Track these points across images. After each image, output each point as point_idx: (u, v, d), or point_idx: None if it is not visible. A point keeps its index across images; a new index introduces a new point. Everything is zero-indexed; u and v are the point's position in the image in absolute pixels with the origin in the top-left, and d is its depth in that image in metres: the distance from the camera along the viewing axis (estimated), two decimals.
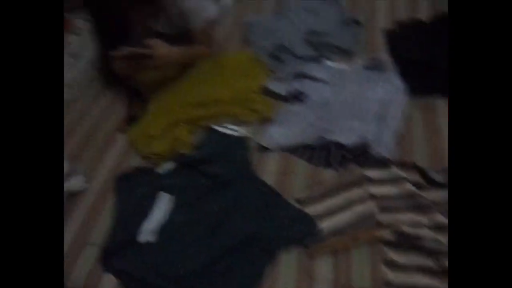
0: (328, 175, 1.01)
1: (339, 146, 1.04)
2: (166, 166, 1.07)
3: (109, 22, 1.13)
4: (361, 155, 1.01)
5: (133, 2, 1.07)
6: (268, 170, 1.04)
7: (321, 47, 1.31)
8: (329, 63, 1.26)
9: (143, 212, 0.97)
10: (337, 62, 1.27)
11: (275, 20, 1.47)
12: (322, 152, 1.04)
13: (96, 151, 1.15)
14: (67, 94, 1.34)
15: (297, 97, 1.18)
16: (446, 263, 0.77)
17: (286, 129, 1.10)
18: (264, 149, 1.08)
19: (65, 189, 1.01)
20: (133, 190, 1.03)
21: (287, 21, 1.44)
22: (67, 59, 1.38)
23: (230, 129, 1.12)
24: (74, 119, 1.26)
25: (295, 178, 1.02)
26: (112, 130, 1.20)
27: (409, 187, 0.91)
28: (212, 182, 1.03)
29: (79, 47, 1.43)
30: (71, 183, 1.03)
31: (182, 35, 1.34)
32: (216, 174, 1.03)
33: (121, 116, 1.24)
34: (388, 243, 0.85)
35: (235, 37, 1.46)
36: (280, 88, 1.20)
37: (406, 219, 0.87)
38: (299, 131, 1.09)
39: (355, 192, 0.94)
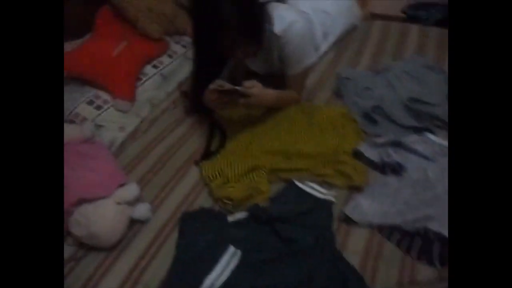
0: (426, 271, 0.84)
1: (441, 238, 0.87)
2: (238, 215, 0.97)
3: (210, 55, 1.10)
4: None
5: (238, 41, 1.03)
6: (352, 248, 0.89)
7: (424, 118, 1.19)
8: (432, 137, 1.13)
9: (206, 263, 0.86)
10: (441, 138, 1.13)
11: (371, 78, 1.38)
12: (421, 243, 0.88)
13: (167, 180, 1.08)
14: (148, 112, 1.32)
15: (393, 169, 1.04)
16: None
17: (378, 204, 0.96)
18: (350, 221, 0.94)
19: (130, 215, 0.94)
20: (198, 234, 0.93)
21: (385, 81, 1.34)
22: (156, 78, 1.38)
23: (314, 189, 1.01)
24: (149, 140, 1.22)
25: (384, 266, 0.86)
26: (186, 161, 1.14)
27: None
28: (285, 246, 0.90)
29: (171, 69, 1.44)
30: (137, 210, 0.96)
31: (275, 77, 1.29)
32: (292, 239, 0.90)
33: (198, 148, 1.18)
34: None
35: (326, 87, 1.39)
36: (374, 154, 1.08)
37: None
38: (394, 210, 0.95)
39: None
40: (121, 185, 0.97)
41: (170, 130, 1.26)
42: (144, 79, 1.35)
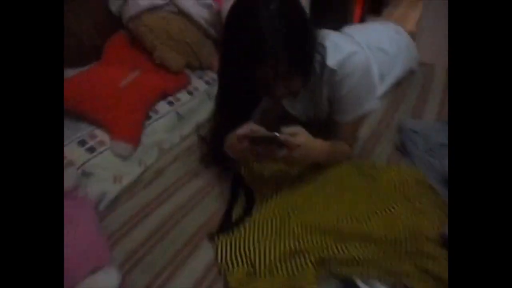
0: None
1: None
2: None
3: (238, 90, 0.83)
4: None
5: (279, 73, 0.75)
6: None
7: None
8: None
9: None
10: None
11: (442, 130, 1.06)
12: None
13: (166, 261, 0.75)
14: (154, 160, 1.04)
15: None
16: None
17: None
18: None
19: None
20: None
21: None
22: (171, 117, 1.12)
23: None
24: (151, 197, 0.92)
25: None
26: (197, 232, 0.82)
27: None
28: None
29: (189, 108, 1.17)
30: None
31: (320, 124, 1.00)
32: None
33: (214, 213, 0.86)
34: None
35: (384, 141, 1.08)
36: None
37: None
38: None
39: None
40: (97, 267, 0.66)
41: (179, 186, 0.95)
42: (154, 117, 1.08)
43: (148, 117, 1.07)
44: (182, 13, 1.21)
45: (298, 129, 0.76)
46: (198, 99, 1.22)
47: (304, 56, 0.79)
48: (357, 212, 0.79)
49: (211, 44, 1.34)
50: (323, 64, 0.85)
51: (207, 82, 1.29)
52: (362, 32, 1.12)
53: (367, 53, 1.05)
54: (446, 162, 0.93)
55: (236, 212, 0.85)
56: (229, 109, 0.88)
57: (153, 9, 1.13)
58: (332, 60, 0.84)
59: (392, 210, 0.79)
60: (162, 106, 1.12)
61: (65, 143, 0.92)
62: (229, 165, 0.95)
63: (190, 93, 1.21)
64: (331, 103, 0.92)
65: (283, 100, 1.01)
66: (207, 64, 1.32)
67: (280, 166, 0.92)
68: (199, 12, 1.26)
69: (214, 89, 1.26)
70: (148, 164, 1.02)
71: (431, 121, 1.13)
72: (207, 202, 0.90)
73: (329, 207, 0.81)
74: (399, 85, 1.33)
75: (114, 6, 1.17)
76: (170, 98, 1.15)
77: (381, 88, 1.23)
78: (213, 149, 0.99)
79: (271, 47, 0.71)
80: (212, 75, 1.33)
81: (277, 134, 0.71)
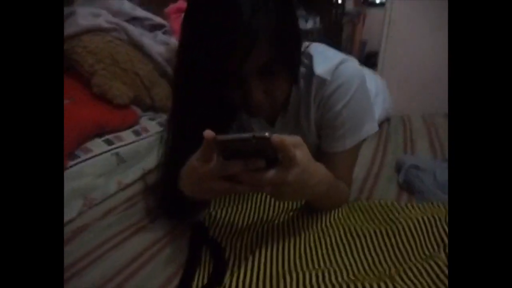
0: None
1: None
2: None
3: (204, 97, 0.59)
4: None
5: (258, 63, 0.54)
6: None
7: None
8: None
9: None
10: None
11: (445, 167, 0.89)
12: None
13: None
14: (76, 214, 0.71)
15: None
16: None
17: None
18: None
19: None
20: None
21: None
22: (106, 159, 0.83)
23: None
24: (70, 262, 0.58)
25: None
26: None
27: None
28: None
29: (133, 150, 0.90)
30: None
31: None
32: None
33: (164, 284, 0.54)
34: None
35: (383, 180, 0.87)
36: None
37: None
38: None
39: None
40: None
41: (112, 247, 0.62)
42: (83, 157, 0.79)
43: (72, 157, 0.77)
44: (133, 43, 1.03)
45: (296, 140, 0.50)
46: (146, 141, 0.96)
47: (291, 47, 0.60)
48: (377, 271, 0.52)
49: (167, 85, 1.15)
50: (310, 73, 0.66)
51: (160, 124, 1.05)
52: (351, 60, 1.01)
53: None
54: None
55: (199, 280, 0.53)
56: (188, 128, 0.62)
57: (96, 31, 0.94)
58: (320, 68, 0.65)
59: (430, 265, 0.53)
60: (96, 144, 0.84)
61: None
62: (187, 214, 0.66)
63: (136, 133, 0.95)
64: (320, 127, 0.71)
65: (259, 130, 0.78)
66: (161, 105, 1.10)
67: (259, 209, 0.65)
68: (154, 47, 1.09)
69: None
70: (66, 219, 0.69)
71: (429, 156, 0.97)
72: (155, 266, 0.58)
73: (337, 263, 0.53)
74: (381, 127, 1.21)
75: None
76: (109, 136, 0.88)
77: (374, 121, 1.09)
78: (166, 193, 0.70)
79: (248, 22, 0.51)
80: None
81: (267, 134, 0.46)
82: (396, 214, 0.66)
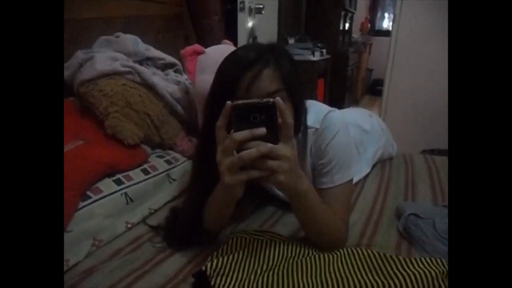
0: None
1: None
2: None
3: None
4: None
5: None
6: None
7: None
8: None
9: None
10: None
11: (445, 215, 0.90)
12: None
13: None
14: (83, 256, 0.74)
15: None
16: None
17: None
18: None
19: None
20: None
21: None
22: (115, 199, 0.86)
23: None
24: None
25: None
26: None
27: None
28: None
29: (142, 190, 0.93)
30: None
31: None
32: None
33: None
34: None
35: (383, 227, 0.89)
36: None
37: None
38: None
39: None
40: None
41: None
42: (93, 197, 0.82)
43: (83, 196, 0.81)
44: (146, 84, 1.09)
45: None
46: (155, 180, 0.99)
47: (297, 87, 0.71)
48: None
49: (176, 122, 1.19)
50: (305, 126, 0.78)
51: (168, 162, 1.09)
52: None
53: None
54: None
55: None
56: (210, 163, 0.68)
57: (111, 75, 1.00)
58: (312, 120, 0.79)
59: None
60: (106, 184, 0.87)
61: None
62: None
63: (145, 171, 0.99)
64: (315, 169, 0.79)
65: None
66: (170, 143, 1.14)
67: (259, 257, 0.67)
68: (165, 86, 1.15)
69: (176, 171, 1.08)
70: (72, 262, 0.71)
71: (430, 204, 0.98)
72: None
73: None
74: (383, 169, 1.23)
75: (67, 71, 1.03)
76: (119, 176, 0.92)
77: (361, 163, 1.13)
78: (187, 221, 0.78)
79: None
80: (175, 156, 1.14)
81: (272, 100, 0.55)
82: (395, 269, 0.67)
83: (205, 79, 1.09)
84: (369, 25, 5.64)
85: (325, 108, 0.81)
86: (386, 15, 5.96)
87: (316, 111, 0.80)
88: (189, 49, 1.11)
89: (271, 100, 0.55)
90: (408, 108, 2.74)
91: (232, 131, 0.55)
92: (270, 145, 0.54)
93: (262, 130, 0.54)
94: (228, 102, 0.55)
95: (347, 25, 4.10)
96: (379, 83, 5.02)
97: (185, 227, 0.78)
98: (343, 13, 3.76)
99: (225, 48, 1.19)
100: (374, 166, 1.23)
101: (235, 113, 0.55)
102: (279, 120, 0.55)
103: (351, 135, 0.81)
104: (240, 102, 0.55)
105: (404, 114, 2.76)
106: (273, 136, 0.55)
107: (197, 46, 1.12)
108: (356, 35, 4.97)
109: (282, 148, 0.55)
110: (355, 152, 0.83)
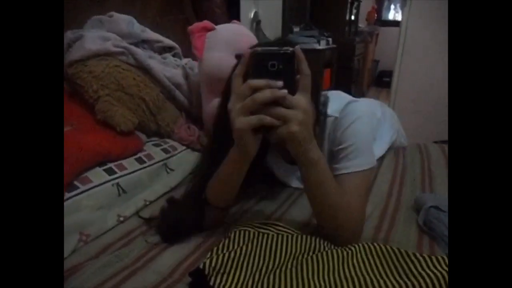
0: None
1: None
2: None
3: None
4: None
5: None
6: None
7: None
8: None
9: None
10: None
11: None
12: None
13: None
14: (70, 251, 0.67)
15: None
16: None
17: None
18: None
19: None
20: None
21: None
22: (107, 189, 0.79)
23: None
24: None
25: None
26: None
27: None
28: None
29: (135, 180, 0.86)
30: None
31: None
32: None
33: None
34: None
35: (401, 220, 0.80)
36: None
37: None
38: None
39: None
40: None
41: None
42: (81, 188, 0.75)
43: (70, 188, 0.73)
44: (141, 67, 1.00)
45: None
46: (150, 169, 0.92)
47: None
48: None
49: (174, 109, 1.11)
50: (325, 115, 0.76)
51: (165, 151, 1.01)
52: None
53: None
54: None
55: None
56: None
57: (102, 55, 0.92)
58: (332, 109, 0.77)
59: None
60: (96, 174, 0.80)
61: None
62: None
63: (140, 161, 0.91)
64: (332, 158, 0.74)
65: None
66: (168, 131, 1.06)
67: (264, 254, 0.60)
68: (162, 70, 1.07)
69: (174, 160, 1.00)
70: None
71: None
72: None
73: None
74: (397, 158, 1.15)
75: None
76: (111, 165, 0.84)
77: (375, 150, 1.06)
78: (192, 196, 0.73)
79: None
80: (173, 144, 1.06)
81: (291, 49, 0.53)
82: (419, 268, 0.59)
83: (214, 56, 1.01)
84: (375, 14, 5.49)
85: (348, 98, 0.81)
86: (392, 6, 5.81)
87: (339, 100, 0.78)
88: (198, 25, 1.04)
89: (291, 48, 0.52)
90: (418, 100, 2.64)
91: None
92: (285, 92, 0.51)
93: (279, 83, 0.51)
94: (248, 50, 0.53)
95: (353, 14, 3.98)
96: (386, 74, 4.90)
97: (187, 210, 0.72)
98: (349, 1, 3.64)
99: (236, 27, 1.12)
100: (387, 152, 1.15)
101: (253, 60, 0.53)
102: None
103: (372, 125, 0.80)
104: (259, 48, 0.54)
105: (414, 106, 2.66)
106: (290, 86, 0.52)
107: (207, 23, 1.05)
108: (362, 24, 4.85)
109: (298, 98, 0.52)
110: (371, 147, 0.78)
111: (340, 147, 0.72)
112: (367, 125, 0.75)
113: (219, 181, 0.67)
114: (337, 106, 0.76)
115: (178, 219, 0.71)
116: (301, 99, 0.52)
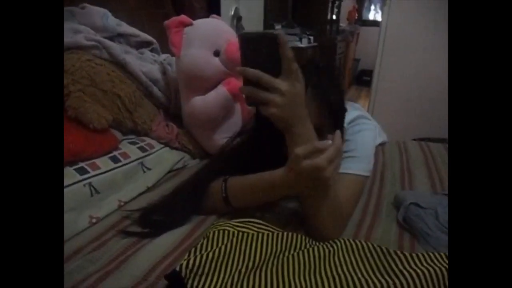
0: None
1: None
2: None
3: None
4: None
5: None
6: None
7: None
8: None
9: None
10: None
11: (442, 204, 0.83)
12: None
13: None
14: None
15: None
16: None
17: None
18: None
19: None
20: None
21: None
22: (79, 190, 0.74)
23: None
24: None
25: None
26: None
27: None
28: None
29: (109, 180, 0.82)
30: None
31: None
32: None
33: None
34: None
35: (380, 216, 0.80)
36: None
37: None
38: None
39: None
40: None
41: None
42: None
43: None
44: (116, 62, 0.96)
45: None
46: (125, 169, 0.88)
47: (336, 116, 0.73)
48: None
49: (152, 106, 1.07)
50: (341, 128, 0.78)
51: (142, 149, 0.97)
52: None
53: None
54: None
55: None
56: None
57: (73, 49, 0.87)
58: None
59: None
60: (66, 174, 0.75)
61: None
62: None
63: (115, 159, 0.87)
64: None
65: None
66: (145, 128, 1.02)
67: (244, 253, 0.58)
68: (139, 66, 1.03)
69: (151, 159, 0.97)
70: None
71: (430, 193, 0.90)
72: None
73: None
74: (376, 155, 1.15)
75: None
76: (82, 164, 0.80)
77: None
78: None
79: None
80: (150, 142, 1.02)
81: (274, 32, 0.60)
82: (400, 266, 0.58)
83: (193, 53, 0.97)
84: (356, 14, 5.57)
85: (358, 111, 0.87)
86: (372, 7, 5.89)
87: (350, 112, 0.81)
88: (175, 19, 0.99)
89: (274, 32, 0.57)
90: (398, 98, 2.69)
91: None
92: (267, 75, 0.54)
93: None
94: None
95: (334, 13, 4.01)
96: (366, 73, 4.97)
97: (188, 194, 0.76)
98: (330, 0, 3.67)
99: (215, 22, 1.07)
100: None
101: (241, 42, 0.56)
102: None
103: (375, 142, 0.89)
104: (246, 31, 0.62)
105: (394, 104, 2.70)
106: (274, 69, 0.55)
107: (184, 17, 1.00)
108: (343, 24, 4.90)
109: (279, 82, 0.55)
110: (371, 154, 0.85)
111: (346, 149, 0.75)
112: (372, 139, 0.84)
113: (251, 191, 0.70)
114: (347, 117, 0.79)
115: (177, 202, 0.75)
116: (282, 82, 0.54)
